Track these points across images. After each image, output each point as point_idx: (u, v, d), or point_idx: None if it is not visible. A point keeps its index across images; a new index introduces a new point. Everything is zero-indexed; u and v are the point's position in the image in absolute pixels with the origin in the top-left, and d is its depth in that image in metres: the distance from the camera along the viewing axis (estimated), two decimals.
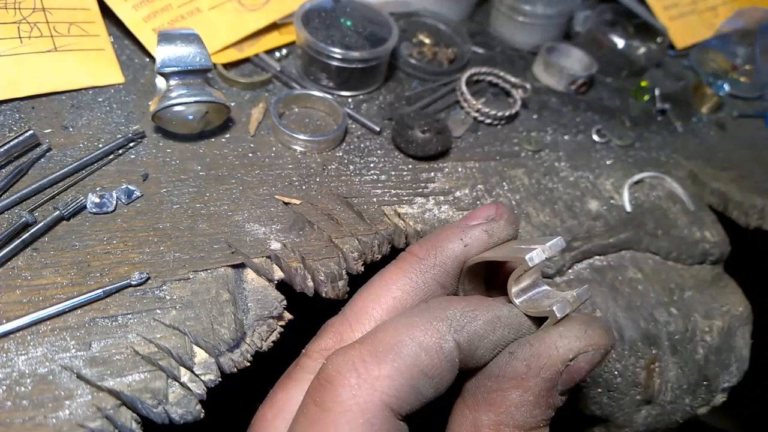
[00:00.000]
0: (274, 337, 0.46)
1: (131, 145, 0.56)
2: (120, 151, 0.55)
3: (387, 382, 0.33)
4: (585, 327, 0.37)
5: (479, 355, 0.36)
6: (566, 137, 0.72)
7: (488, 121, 0.69)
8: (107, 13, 0.64)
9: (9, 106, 0.56)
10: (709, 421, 0.88)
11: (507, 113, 0.69)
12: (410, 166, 0.62)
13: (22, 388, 0.39)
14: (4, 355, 0.40)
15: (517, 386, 0.36)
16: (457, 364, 0.35)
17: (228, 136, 0.60)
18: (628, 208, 0.65)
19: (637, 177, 0.68)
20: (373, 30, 0.68)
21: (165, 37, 0.54)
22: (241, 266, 0.49)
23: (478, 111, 0.69)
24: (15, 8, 0.58)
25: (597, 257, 0.61)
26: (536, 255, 0.36)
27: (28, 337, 0.41)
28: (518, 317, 0.37)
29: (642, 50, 0.83)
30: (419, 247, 0.41)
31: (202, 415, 0.41)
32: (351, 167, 0.60)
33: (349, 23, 0.68)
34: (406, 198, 0.58)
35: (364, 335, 0.36)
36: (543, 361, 0.36)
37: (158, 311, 0.44)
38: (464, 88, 0.70)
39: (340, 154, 0.61)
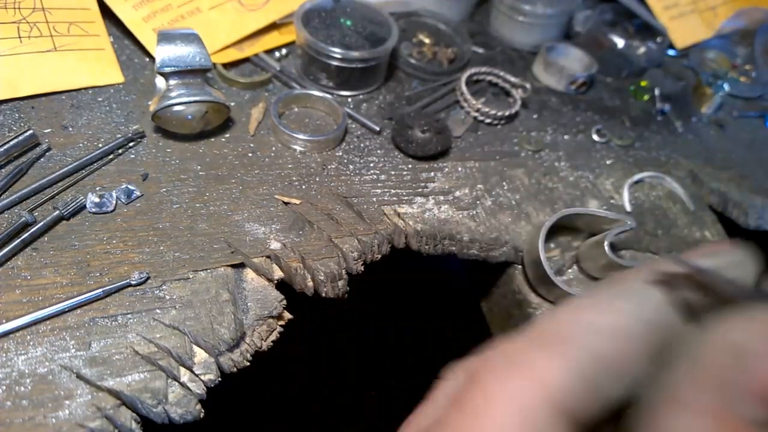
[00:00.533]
0: (273, 336, 0.46)
1: (131, 144, 0.56)
2: (120, 151, 0.55)
3: (556, 373, 0.23)
4: None
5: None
6: (566, 137, 0.72)
7: (488, 120, 0.69)
8: (107, 12, 0.63)
9: (9, 105, 0.56)
10: None
11: (507, 113, 0.69)
12: (410, 166, 0.62)
13: (22, 388, 0.39)
14: (4, 354, 0.40)
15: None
16: (650, 354, 0.25)
17: (228, 135, 0.60)
18: (628, 208, 0.65)
19: (636, 177, 0.68)
20: (373, 30, 0.68)
21: (165, 37, 0.54)
22: (241, 266, 0.49)
23: (478, 111, 0.69)
24: (15, 8, 0.58)
25: None
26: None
27: (28, 337, 0.41)
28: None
29: (642, 50, 0.83)
30: None
31: (202, 414, 0.41)
32: (351, 167, 0.60)
33: (349, 23, 0.68)
34: (406, 198, 0.58)
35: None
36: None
37: (158, 311, 0.44)
38: (464, 88, 0.70)
39: (340, 153, 0.61)
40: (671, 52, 0.92)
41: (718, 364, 0.22)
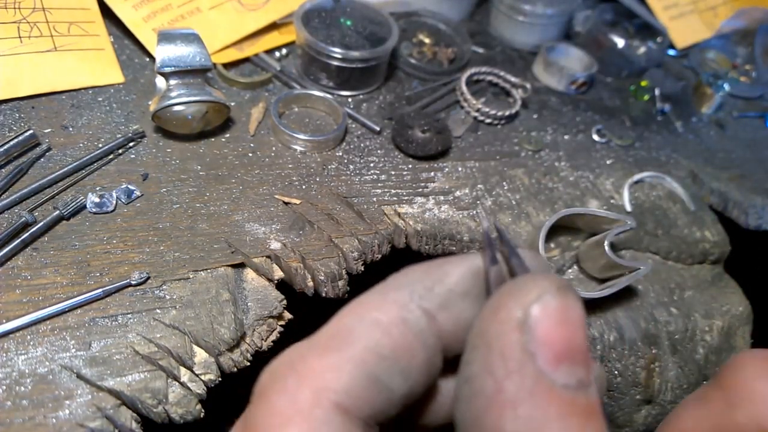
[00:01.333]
0: (274, 336, 0.46)
1: (131, 144, 0.56)
2: (120, 151, 0.55)
3: (334, 375, 0.24)
4: None
5: (460, 319, 0.26)
6: (566, 137, 0.72)
7: (488, 120, 0.69)
8: (107, 12, 0.63)
9: (9, 105, 0.56)
10: None
11: (507, 113, 0.69)
12: (410, 166, 0.62)
13: (22, 388, 0.39)
14: (4, 354, 0.40)
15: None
16: (435, 340, 0.26)
17: (228, 135, 0.60)
18: (628, 207, 0.65)
19: (637, 177, 0.68)
20: (373, 30, 0.68)
21: (165, 37, 0.54)
22: (241, 266, 0.49)
23: (478, 111, 0.69)
24: (15, 8, 0.58)
25: None
26: None
27: (28, 337, 0.41)
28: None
29: (642, 50, 0.83)
30: None
31: (202, 414, 0.41)
32: (351, 167, 0.60)
33: (349, 23, 0.68)
34: (406, 197, 0.58)
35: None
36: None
37: (158, 311, 0.44)
38: (464, 88, 0.70)
39: (340, 153, 0.61)
40: (671, 52, 0.92)
41: (512, 344, 0.22)
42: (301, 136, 0.59)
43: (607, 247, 0.53)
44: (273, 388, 0.24)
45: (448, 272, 0.27)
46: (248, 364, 0.44)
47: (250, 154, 0.58)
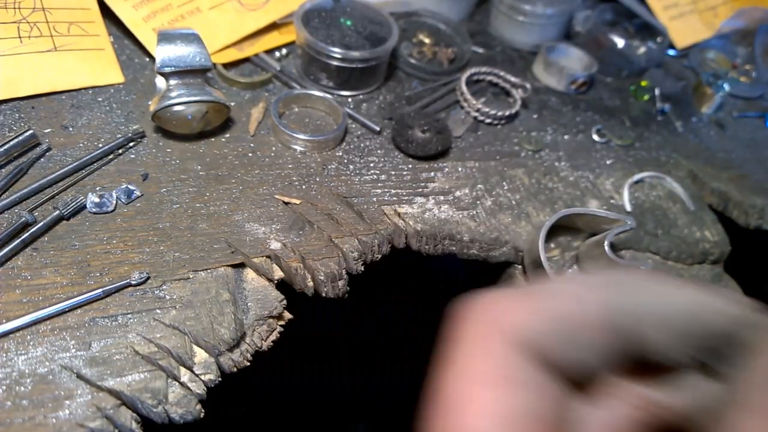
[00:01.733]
0: (274, 336, 0.46)
1: (131, 144, 0.56)
2: (120, 151, 0.55)
3: (521, 315, 0.25)
4: None
5: (650, 346, 0.26)
6: (566, 137, 0.72)
7: (488, 120, 0.69)
8: (107, 12, 0.63)
9: (9, 105, 0.56)
10: None
11: (507, 113, 0.69)
12: (410, 166, 0.62)
13: (22, 388, 0.39)
14: (4, 354, 0.40)
15: None
16: (619, 337, 0.25)
17: (228, 135, 0.60)
18: (628, 207, 0.65)
19: (637, 177, 0.68)
20: (373, 30, 0.68)
21: (165, 37, 0.54)
22: (241, 266, 0.49)
23: (478, 111, 0.69)
24: (15, 8, 0.58)
25: None
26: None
27: (28, 337, 0.41)
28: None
29: (642, 50, 0.83)
30: None
31: (202, 414, 0.41)
32: (351, 167, 0.60)
33: (349, 23, 0.68)
34: (406, 198, 0.58)
35: None
36: None
37: (158, 311, 0.44)
38: (464, 88, 0.70)
39: (340, 153, 0.61)
40: (671, 52, 0.92)
41: None
42: (301, 136, 0.59)
43: (607, 248, 0.53)
44: (461, 317, 0.25)
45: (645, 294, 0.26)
46: (248, 364, 0.44)
47: (250, 154, 0.58)
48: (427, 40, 0.77)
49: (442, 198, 0.59)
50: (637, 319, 0.25)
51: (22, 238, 0.45)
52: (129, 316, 0.44)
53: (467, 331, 0.25)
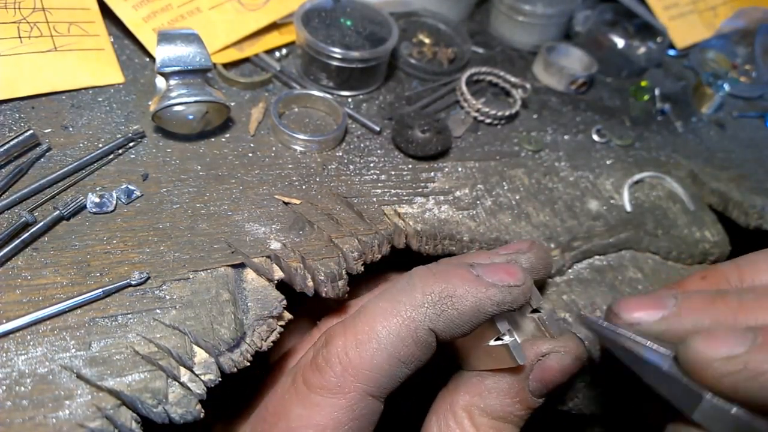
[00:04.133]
0: (274, 336, 0.46)
1: (131, 144, 0.56)
2: (120, 151, 0.55)
3: (368, 374, 0.37)
4: (561, 336, 0.43)
5: (457, 336, 0.38)
6: (566, 137, 0.72)
7: (488, 120, 0.69)
8: (107, 12, 0.64)
9: (9, 105, 0.56)
10: None
11: (507, 113, 0.69)
12: (410, 166, 0.62)
13: (22, 388, 0.39)
14: (4, 354, 0.40)
15: (493, 373, 0.41)
16: (434, 347, 0.38)
17: (228, 135, 0.60)
18: (628, 207, 0.65)
19: (637, 177, 0.68)
20: (373, 30, 0.68)
21: (165, 37, 0.54)
22: (241, 266, 0.49)
23: (478, 111, 0.69)
24: (15, 8, 0.58)
25: (597, 257, 0.61)
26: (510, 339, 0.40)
27: (28, 337, 0.41)
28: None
29: (642, 50, 0.83)
30: (431, 285, 0.40)
31: (202, 414, 0.41)
32: (351, 167, 0.60)
33: (349, 23, 0.68)
34: (406, 198, 0.58)
35: (349, 318, 0.40)
36: (550, 358, 0.40)
37: (158, 311, 0.44)
38: (464, 88, 0.70)
39: (340, 153, 0.61)
40: (671, 52, 0.92)
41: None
42: (301, 136, 0.59)
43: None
44: (326, 369, 0.38)
45: (456, 304, 0.37)
46: (248, 364, 0.44)
47: (250, 154, 0.58)
48: (427, 40, 0.77)
49: (442, 198, 0.59)
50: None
51: (22, 238, 0.45)
52: (129, 316, 0.44)
53: (331, 385, 0.38)
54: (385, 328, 0.37)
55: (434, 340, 0.38)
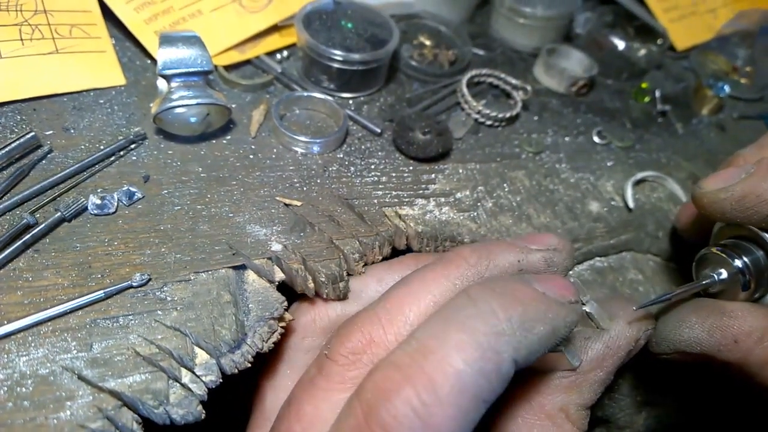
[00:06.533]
0: (275, 338, 0.46)
1: (132, 146, 0.56)
2: (121, 153, 0.55)
3: (452, 424, 0.29)
4: (639, 318, 0.43)
5: (531, 364, 0.33)
6: (567, 139, 0.72)
7: (489, 122, 0.70)
8: (109, 15, 0.64)
9: (10, 107, 0.56)
10: None
11: (508, 115, 0.69)
12: (411, 168, 0.62)
13: (24, 389, 0.39)
14: (6, 356, 0.40)
15: (597, 366, 0.40)
16: (511, 377, 0.32)
17: (229, 137, 0.60)
18: (631, 204, 0.64)
19: (640, 175, 0.68)
20: (373, 32, 0.68)
21: (166, 40, 0.54)
22: (242, 267, 0.49)
23: (478, 113, 0.69)
24: (16, 10, 0.58)
25: (598, 259, 0.61)
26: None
27: (30, 338, 0.41)
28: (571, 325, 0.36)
29: (642, 52, 0.83)
30: (471, 252, 0.38)
31: (203, 415, 0.41)
32: (352, 169, 0.60)
33: (349, 25, 0.68)
34: (407, 199, 0.58)
35: (411, 353, 0.31)
36: (621, 341, 0.40)
37: (159, 312, 0.44)
38: (465, 90, 0.70)
39: (341, 155, 0.61)
40: (672, 54, 0.92)
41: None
42: (302, 138, 0.59)
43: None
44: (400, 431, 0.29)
45: (535, 329, 0.33)
46: (249, 365, 0.44)
47: (251, 156, 0.59)
48: (427, 42, 0.77)
49: (443, 200, 0.59)
50: None
51: (24, 239, 0.45)
52: (130, 317, 0.44)
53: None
54: (467, 364, 0.29)
55: (513, 371, 0.31)
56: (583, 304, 0.42)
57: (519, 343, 0.31)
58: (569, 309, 0.34)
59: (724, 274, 0.43)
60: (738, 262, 0.43)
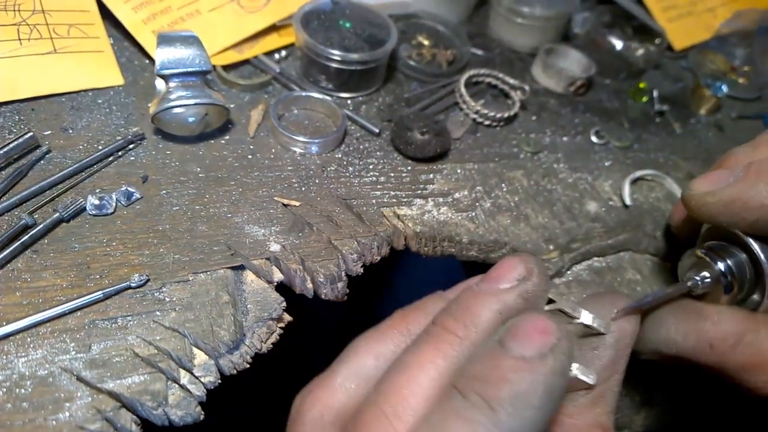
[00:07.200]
0: (273, 338, 0.47)
1: (131, 146, 0.56)
2: (119, 153, 0.55)
3: (326, 398, 0.35)
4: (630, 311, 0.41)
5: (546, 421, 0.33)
6: (565, 139, 0.72)
7: (487, 122, 0.70)
8: (107, 15, 0.64)
9: (8, 108, 0.56)
10: None
11: (506, 115, 0.69)
12: (409, 168, 0.62)
13: (22, 390, 0.39)
14: (4, 357, 0.40)
15: (613, 371, 0.38)
16: None
17: (227, 137, 0.60)
18: (628, 201, 0.65)
19: (639, 173, 0.68)
20: (372, 32, 0.68)
21: (164, 39, 0.54)
22: (241, 268, 0.49)
23: (477, 112, 0.69)
24: (14, 10, 0.58)
25: (596, 259, 0.61)
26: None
27: (28, 339, 0.41)
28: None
29: (640, 52, 0.83)
30: (454, 321, 0.36)
31: (202, 416, 0.41)
32: (350, 169, 0.60)
33: (348, 25, 0.68)
34: (405, 199, 0.58)
35: None
36: (626, 339, 0.39)
37: (158, 313, 0.44)
38: (463, 90, 0.70)
39: (340, 155, 0.61)
40: (670, 54, 0.92)
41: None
42: (301, 138, 0.59)
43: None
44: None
45: (529, 396, 0.31)
46: (248, 366, 0.44)
47: (250, 156, 0.59)
48: (426, 42, 0.77)
49: (441, 200, 0.59)
50: None
51: (22, 240, 0.45)
52: (129, 318, 0.44)
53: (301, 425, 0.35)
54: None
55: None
56: (577, 319, 0.40)
57: (516, 423, 0.30)
58: (554, 356, 0.32)
59: (708, 276, 0.43)
60: (721, 265, 0.43)
